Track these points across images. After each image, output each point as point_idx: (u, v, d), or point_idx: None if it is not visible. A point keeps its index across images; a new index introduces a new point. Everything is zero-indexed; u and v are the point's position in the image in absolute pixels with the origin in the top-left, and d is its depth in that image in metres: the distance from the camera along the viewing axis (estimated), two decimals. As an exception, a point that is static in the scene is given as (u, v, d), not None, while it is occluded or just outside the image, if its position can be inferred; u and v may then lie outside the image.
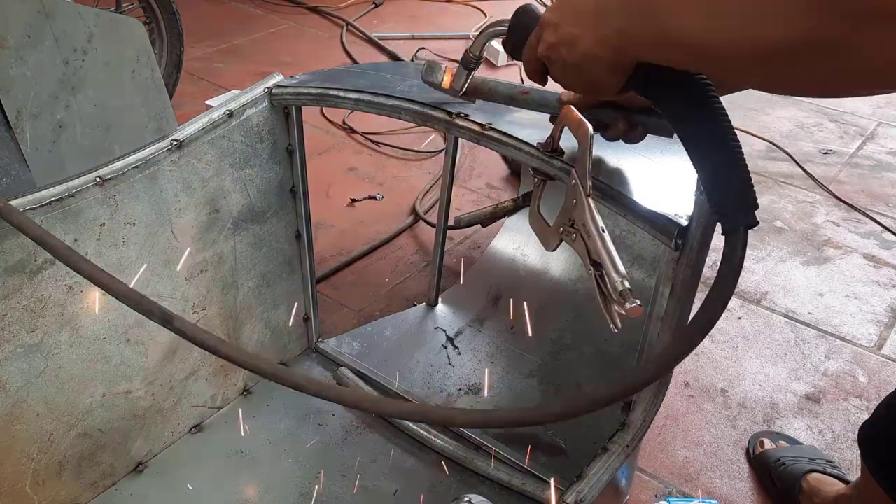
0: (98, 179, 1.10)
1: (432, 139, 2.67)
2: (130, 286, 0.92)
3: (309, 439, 1.43)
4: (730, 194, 0.70)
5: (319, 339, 1.64)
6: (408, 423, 1.45)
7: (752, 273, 2.10)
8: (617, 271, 0.83)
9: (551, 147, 1.03)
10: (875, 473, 1.02)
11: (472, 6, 4.01)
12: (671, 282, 1.00)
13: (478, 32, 0.99)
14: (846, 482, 1.39)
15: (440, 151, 2.61)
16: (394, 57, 3.35)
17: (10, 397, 1.10)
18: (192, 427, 1.42)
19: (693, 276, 0.98)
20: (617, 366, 1.53)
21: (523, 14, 0.85)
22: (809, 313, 1.95)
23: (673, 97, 0.73)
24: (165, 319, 0.87)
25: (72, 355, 1.16)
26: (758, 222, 0.68)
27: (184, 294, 1.29)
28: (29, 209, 1.04)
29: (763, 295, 2.01)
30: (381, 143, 2.67)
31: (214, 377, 1.42)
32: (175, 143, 1.18)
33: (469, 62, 1.03)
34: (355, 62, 3.31)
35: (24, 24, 1.76)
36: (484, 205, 1.91)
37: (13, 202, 1.03)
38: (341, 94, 1.24)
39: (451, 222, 1.71)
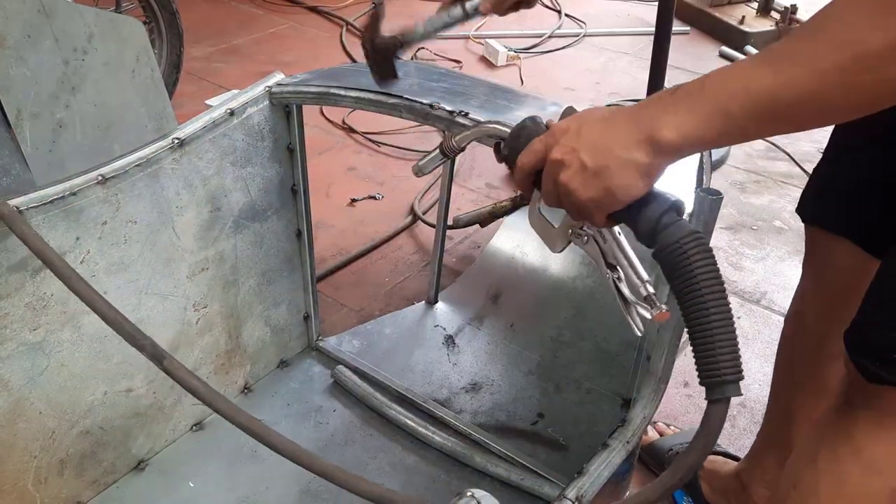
0: (100, 178, 1.11)
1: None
2: (126, 317, 0.93)
3: (310, 437, 1.43)
4: (723, 362, 0.68)
5: (320, 338, 1.64)
6: (408, 420, 1.45)
7: (752, 273, 2.11)
8: (639, 276, 0.80)
9: None
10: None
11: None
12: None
13: (471, 128, 0.97)
14: (733, 457, 1.46)
15: (440, 151, 2.61)
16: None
17: (12, 395, 1.11)
18: (193, 425, 1.43)
19: (692, 273, 0.98)
20: (616, 363, 1.54)
21: (531, 122, 0.82)
22: (808, 312, 1.96)
23: (670, 259, 0.71)
24: (156, 356, 0.89)
25: (74, 353, 1.16)
26: (741, 393, 0.69)
27: (185, 292, 1.30)
28: (31, 207, 1.04)
29: (762, 294, 2.02)
30: (380, 142, 2.67)
31: (215, 375, 1.43)
32: (176, 141, 1.19)
33: (449, 151, 1.00)
34: (355, 62, 3.31)
35: (23, 24, 1.77)
36: (483, 204, 1.92)
37: (15, 201, 1.03)
38: (342, 92, 1.25)
39: (450, 222, 1.72)
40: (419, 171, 1.02)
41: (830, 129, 1.10)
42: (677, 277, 0.70)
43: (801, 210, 1.15)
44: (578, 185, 0.72)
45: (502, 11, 1.07)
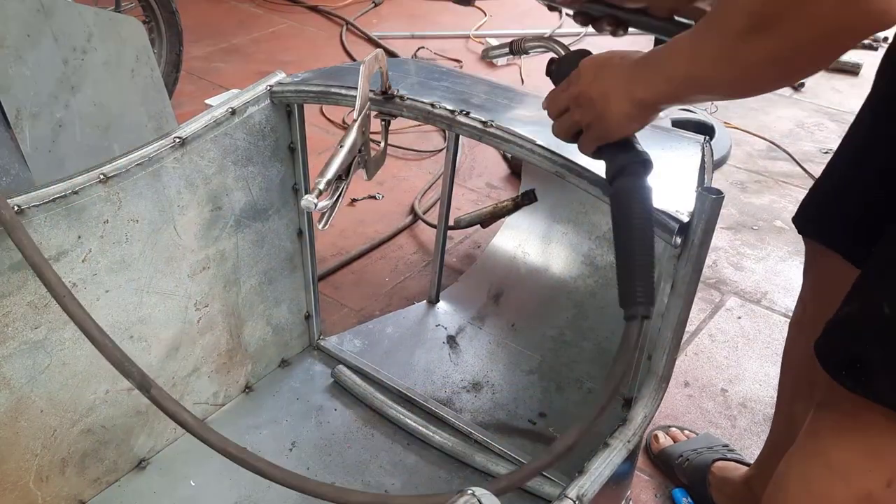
0: (102, 177, 1.11)
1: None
2: (116, 344, 0.99)
3: (311, 436, 1.43)
4: (642, 287, 0.81)
5: (321, 337, 1.64)
6: (408, 420, 1.45)
7: (752, 273, 2.11)
8: (322, 174, 0.99)
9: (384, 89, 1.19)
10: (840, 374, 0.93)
11: (472, 5, 4.02)
12: (672, 279, 1.00)
13: (544, 36, 1.08)
14: (746, 464, 1.44)
15: (440, 151, 2.61)
16: (393, 55, 3.36)
17: (14, 393, 1.11)
18: (194, 424, 1.43)
19: (694, 272, 0.98)
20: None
21: (578, 55, 0.95)
22: (808, 311, 1.96)
23: (617, 199, 0.87)
24: (143, 386, 0.94)
25: (75, 352, 1.16)
26: (651, 316, 0.83)
27: (186, 291, 1.30)
28: (33, 206, 1.04)
29: (763, 294, 2.02)
30: (380, 142, 2.67)
31: (217, 374, 1.43)
32: (178, 140, 1.19)
33: (516, 48, 1.10)
34: (355, 61, 3.31)
35: (23, 24, 1.77)
36: (484, 204, 1.92)
37: (17, 199, 1.03)
38: (343, 91, 1.25)
39: (451, 222, 1.72)
40: (485, 54, 1.17)
41: (834, 131, 1.12)
42: (614, 218, 0.86)
43: (796, 220, 1.16)
44: (586, 118, 0.89)
45: (576, 16, 1.06)
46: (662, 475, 1.52)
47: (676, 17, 1.00)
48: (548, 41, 1.05)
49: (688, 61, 0.76)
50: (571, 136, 0.94)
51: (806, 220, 1.14)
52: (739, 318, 1.94)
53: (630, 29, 1.01)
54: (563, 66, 0.96)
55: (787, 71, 0.70)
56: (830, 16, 0.60)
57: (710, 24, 0.72)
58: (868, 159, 1.01)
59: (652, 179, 1.06)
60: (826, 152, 2.70)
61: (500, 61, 3.31)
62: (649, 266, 0.82)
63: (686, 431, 1.58)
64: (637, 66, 0.83)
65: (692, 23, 0.98)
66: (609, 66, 0.87)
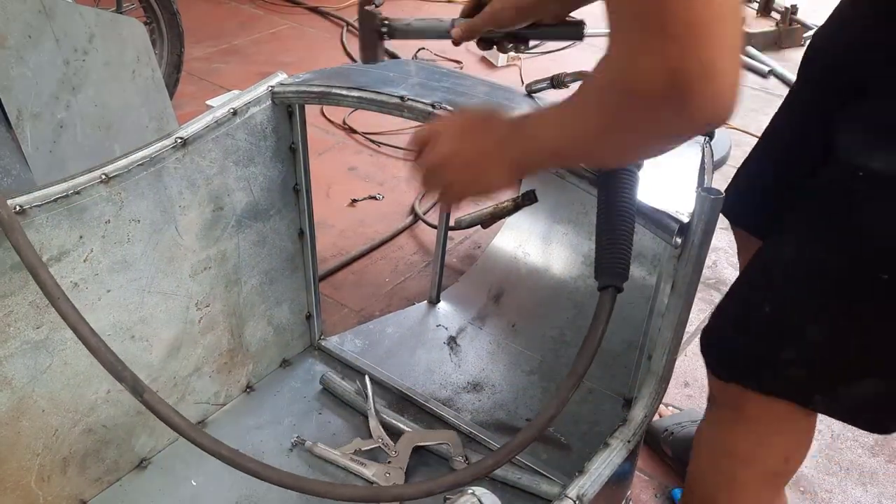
0: (103, 177, 1.11)
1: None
2: (110, 347, 0.99)
3: (312, 436, 1.43)
4: (616, 261, 0.86)
5: (322, 337, 1.64)
6: (408, 420, 1.45)
7: (751, 272, 2.11)
8: None
9: None
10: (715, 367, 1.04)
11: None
12: (672, 279, 1.01)
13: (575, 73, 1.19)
14: None
15: (440, 151, 2.61)
16: (394, 56, 3.36)
17: (15, 393, 1.11)
18: (196, 423, 1.43)
19: (694, 272, 0.98)
20: (618, 363, 1.54)
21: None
22: (808, 312, 1.96)
23: (605, 180, 0.92)
24: (136, 390, 0.95)
25: (77, 351, 1.16)
26: (623, 289, 0.86)
27: (188, 291, 1.30)
28: (35, 206, 1.05)
29: (762, 294, 2.02)
30: (381, 143, 2.68)
31: (218, 374, 1.43)
32: (179, 140, 1.19)
33: (556, 82, 1.21)
34: (356, 62, 3.32)
35: (24, 24, 1.77)
36: (484, 205, 1.92)
37: (19, 199, 1.04)
38: (344, 91, 1.25)
39: (451, 222, 1.72)
40: (529, 88, 1.25)
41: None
42: (599, 197, 0.91)
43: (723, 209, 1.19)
44: (462, 188, 0.96)
45: (478, 43, 1.11)
46: (660, 474, 1.53)
47: (567, 18, 1.05)
48: (583, 74, 1.12)
49: (555, 139, 0.81)
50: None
51: (730, 207, 1.18)
52: (739, 318, 1.94)
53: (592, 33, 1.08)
54: None
55: (636, 157, 0.85)
56: (672, 123, 0.68)
57: (574, 114, 0.77)
58: (782, 152, 1.08)
59: (652, 179, 1.06)
60: (826, 153, 2.70)
61: (501, 62, 3.31)
62: (627, 242, 0.86)
63: (671, 408, 1.62)
64: (512, 130, 0.87)
65: (582, 21, 1.06)
66: (476, 129, 0.91)
